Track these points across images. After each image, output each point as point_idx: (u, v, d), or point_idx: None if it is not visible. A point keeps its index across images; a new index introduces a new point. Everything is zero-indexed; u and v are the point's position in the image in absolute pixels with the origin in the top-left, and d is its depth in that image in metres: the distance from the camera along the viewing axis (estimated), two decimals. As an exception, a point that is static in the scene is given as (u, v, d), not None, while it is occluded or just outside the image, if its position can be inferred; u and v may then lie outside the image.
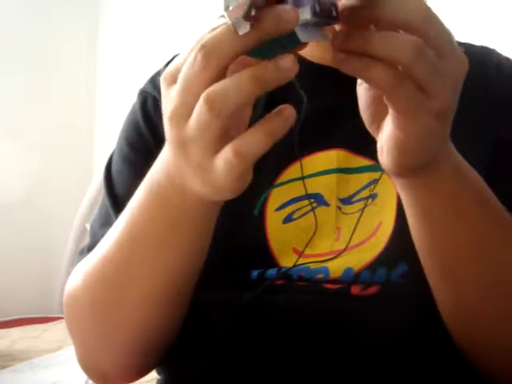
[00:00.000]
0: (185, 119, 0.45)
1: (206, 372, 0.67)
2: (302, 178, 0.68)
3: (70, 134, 3.09)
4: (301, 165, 0.68)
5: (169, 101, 0.46)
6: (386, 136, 0.49)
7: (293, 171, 0.68)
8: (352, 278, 0.64)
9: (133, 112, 0.76)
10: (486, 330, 0.60)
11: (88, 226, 0.77)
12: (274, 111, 0.44)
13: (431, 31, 0.44)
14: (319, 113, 0.69)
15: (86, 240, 0.74)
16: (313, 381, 0.63)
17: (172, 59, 0.78)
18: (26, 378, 1.95)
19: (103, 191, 0.74)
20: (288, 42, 0.43)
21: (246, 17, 0.41)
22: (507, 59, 0.75)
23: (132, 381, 0.71)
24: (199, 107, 0.43)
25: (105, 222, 0.70)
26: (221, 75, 0.43)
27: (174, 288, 0.61)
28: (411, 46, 0.43)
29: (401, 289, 0.63)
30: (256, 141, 0.43)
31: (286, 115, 0.44)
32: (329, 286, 0.65)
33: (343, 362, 0.63)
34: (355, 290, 0.64)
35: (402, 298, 0.63)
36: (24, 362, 2.08)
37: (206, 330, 0.67)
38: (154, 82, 0.76)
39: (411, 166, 0.50)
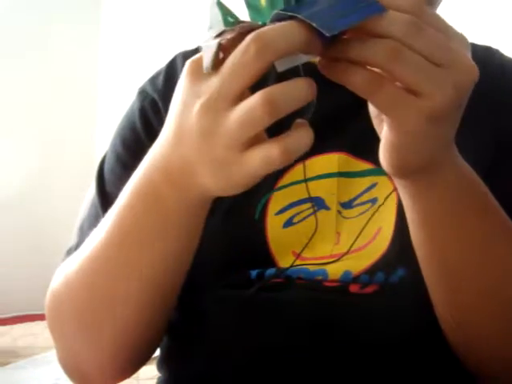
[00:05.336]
0: (224, 109, 0.43)
1: (206, 369, 0.67)
2: (305, 181, 0.67)
3: (71, 132, 3.10)
4: (304, 167, 0.67)
5: (203, 88, 0.44)
6: (382, 138, 0.49)
7: (294, 174, 0.67)
8: (351, 280, 0.65)
9: (131, 112, 0.74)
10: (485, 336, 0.60)
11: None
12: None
13: (418, 41, 0.43)
14: (321, 116, 0.69)
15: (73, 238, 0.72)
16: (313, 377, 0.63)
17: (173, 59, 0.77)
18: (29, 375, 1.96)
19: (94, 189, 0.73)
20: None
21: (215, 60, 0.43)
22: (511, 60, 0.75)
23: (114, 383, 0.69)
24: (254, 103, 0.42)
25: (94, 222, 0.68)
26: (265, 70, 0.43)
27: (159, 292, 0.60)
28: (385, 48, 0.42)
29: (399, 289, 0.63)
30: (302, 140, 0.45)
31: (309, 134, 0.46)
32: (328, 284, 0.65)
33: (342, 358, 0.63)
34: (354, 288, 0.65)
35: (400, 296, 0.63)
36: (26, 359, 2.09)
37: (206, 328, 0.67)
38: (154, 83, 0.74)
39: (407, 168, 0.49)
